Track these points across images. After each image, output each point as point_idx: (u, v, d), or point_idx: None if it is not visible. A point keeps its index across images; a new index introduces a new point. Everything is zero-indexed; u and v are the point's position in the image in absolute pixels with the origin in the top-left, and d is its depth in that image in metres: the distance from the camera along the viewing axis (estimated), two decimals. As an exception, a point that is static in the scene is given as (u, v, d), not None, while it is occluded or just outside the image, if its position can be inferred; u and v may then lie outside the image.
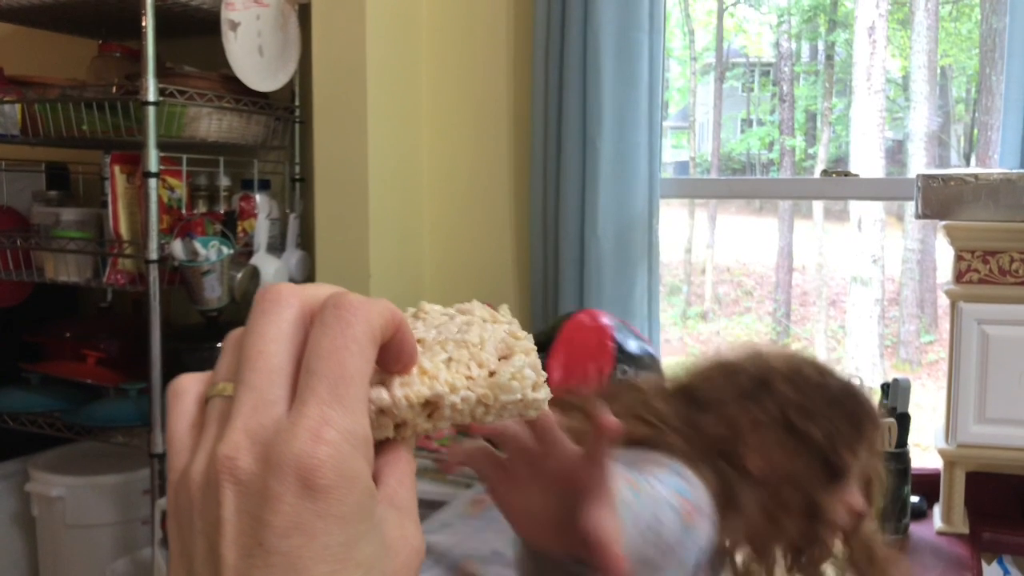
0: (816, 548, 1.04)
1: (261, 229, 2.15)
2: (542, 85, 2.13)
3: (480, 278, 2.31)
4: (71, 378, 2.18)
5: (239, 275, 2.07)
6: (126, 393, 2.10)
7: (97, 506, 2.18)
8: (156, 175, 1.90)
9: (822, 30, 4.14)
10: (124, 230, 2.05)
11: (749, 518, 0.99)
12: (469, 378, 0.36)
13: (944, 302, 1.78)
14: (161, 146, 1.91)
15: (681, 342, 4.30)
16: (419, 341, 0.36)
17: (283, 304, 0.33)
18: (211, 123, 2.07)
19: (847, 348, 4.22)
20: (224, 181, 2.18)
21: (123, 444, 2.06)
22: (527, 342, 0.38)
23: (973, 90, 3.58)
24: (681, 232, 4.36)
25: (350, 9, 2.09)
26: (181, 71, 2.07)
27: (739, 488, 0.98)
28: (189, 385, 0.35)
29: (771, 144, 4.29)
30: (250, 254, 2.13)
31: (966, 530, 1.72)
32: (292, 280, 2.20)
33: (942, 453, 1.73)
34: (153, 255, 1.92)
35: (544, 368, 0.38)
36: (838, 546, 1.08)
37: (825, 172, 2.19)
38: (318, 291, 0.34)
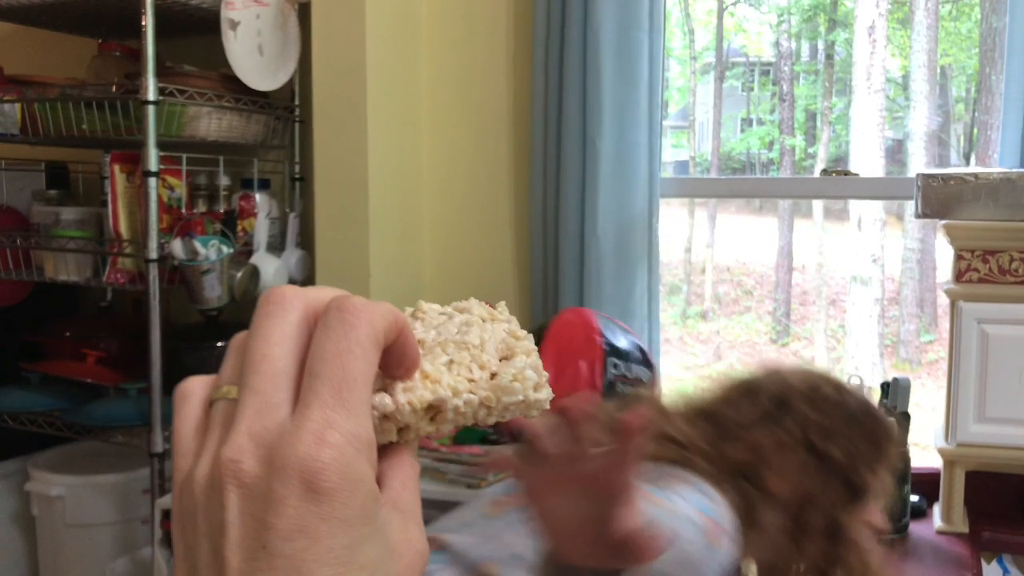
0: (838, 568, 1.04)
1: (261, 228, 2.15)
2: (542, 85, 2.13)
3: (480, 278, 2.31)
4: (71, 377, 2.18)
5: (239, 274, 2.07)
6: (126, 392, 2.11)
7: (97, 505, 2.18)
8: (156, 174, 1.90)
9: (822, 29, 4.14)
10: (124, 229, 2.05)
11: (771, 539, 1.00)
12: (471, 381, 0.36)
13: (944, 301, 1.79)
14: (161, 145, 1.91)
15: (681, 342, 4.30)
16: (419, 342, 0.36)
17: (286, 307, 0.33)
18: (211, 122, 2.07)
19: (847, 347, 4.22)
20: (224, 180, 2.18)
21: (123, 443, 2.06)
22: (528, 342, 0.38)
23: (973, 89, 3.58)
24: (681, 231, 4.36)
25: (350, 8, 2.09)
26: (181, 70, 2.06)
27: (761, 509, 0.98)
28: (195, 388, 0.35)
29: (771, 143, 4.29)
30: (250, 253, 2.13)
31: (966, 529, 1.72)
32: (292, 279, 2.20)
33: (942, 452, 1.74)
34: (153, 254, 1.92)
35: None
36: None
37: (825, 171, 2.19)
38: (321, 294, 0.34)
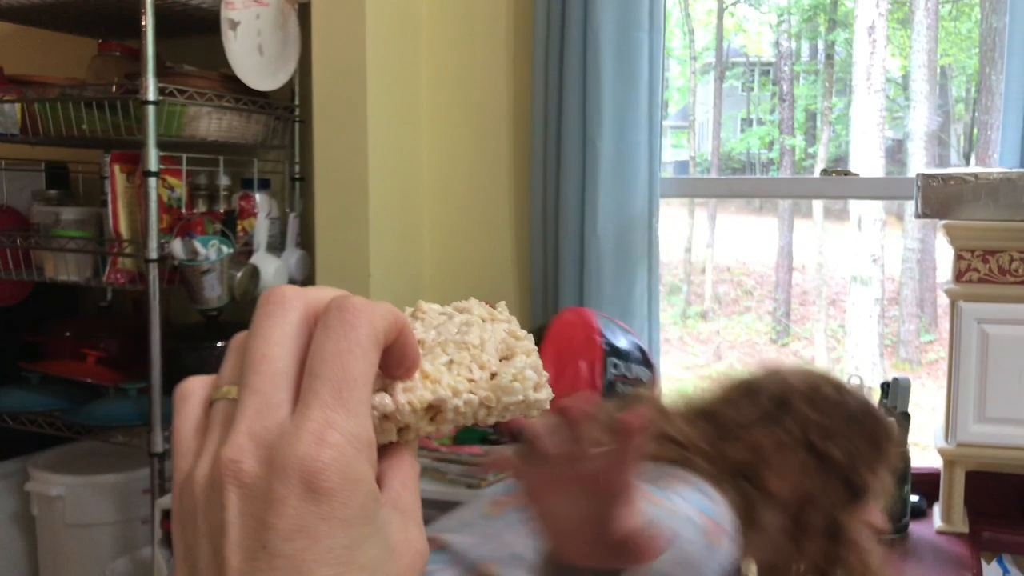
0: (838, 568, 1.04)
1: (261, 228, 2.15)
2: (542, 85, 2.13)
3: (480, 278, 2.31)
4: (71, 377, 2.18)
5: (239, 274, 2.07)
6: (126, 392, 2.11)
7: (97, 505, 2.18)
8: (156, 174, 1.90)
9: (822, 29, 4.14)
10: (124, 229, 2.05)
11: (771, 539, 1.00)
12: (471, 381, 0.36)
13: (944, 301, 1.79)
14: (161, 145, 1.91)
15: (681, 342, 4.30)
16: (419, 342, 0.36)
17: (287, 307, 0.33)
18: (211, 122, 2.07)
19: (847, 347, 4.22)
20: (224, 180, 2.18)
21: (123, 443, 2.06)
22: (528, 342, 0.38)
23: (973, 89, 3.58)
24: (681, 231, 4.36)
25: (350, 8, 2.09)
26: (181, 70, 2.06)
27: (761, 509, 0.98)
28: (195, 388, 0.35)
29: (771, 143, 4.29)
30: (250, 253, 2.13)
31: (966, 529, 1.72)
32: (292, 279, 2.20)
33: (942, 452, 1.74)
34: (153, 254, 1.92)
35: None
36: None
37: (825, 171, 2.19)
38: (321, 294, 0.34)
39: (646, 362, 1.83)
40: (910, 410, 1.79)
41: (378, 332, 0.32)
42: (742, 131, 4.44)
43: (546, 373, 0.37)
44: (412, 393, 0.34)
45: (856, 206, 3.85)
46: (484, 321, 0.39)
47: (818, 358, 4.31)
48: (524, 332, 0.39)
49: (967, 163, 3.31)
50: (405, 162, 2.26)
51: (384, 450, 0.34)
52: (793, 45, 4.19)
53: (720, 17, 4.15)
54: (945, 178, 1.69)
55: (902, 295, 4.07)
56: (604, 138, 2.06)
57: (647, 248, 2.10)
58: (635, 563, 0.69)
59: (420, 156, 2.32)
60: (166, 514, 1.91)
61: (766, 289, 4.57)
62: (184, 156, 2.05)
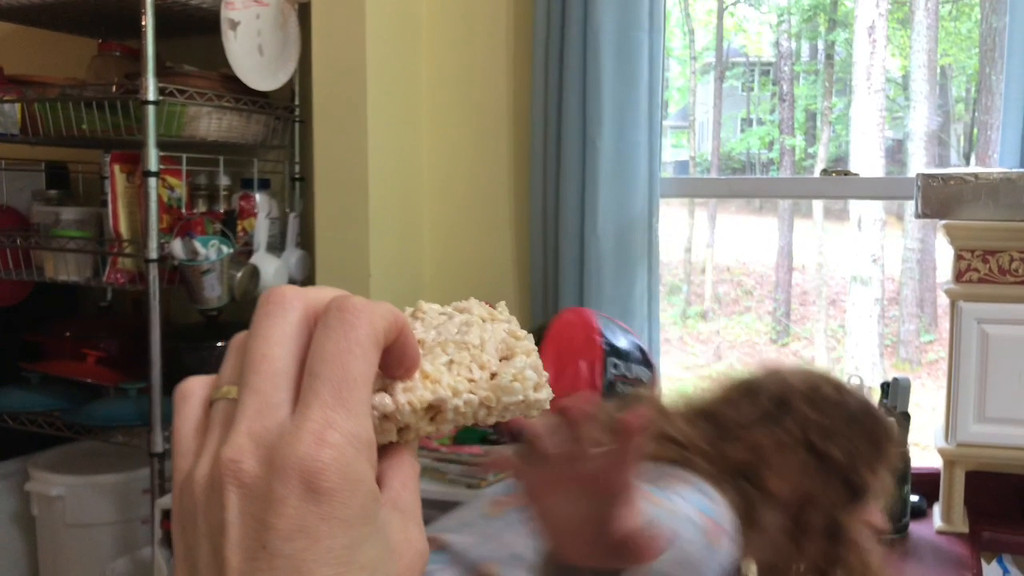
0: (838, 568, 1.04)
1: (261, 228, 2.15)
2: (542, 85, 2.13)
3: (480, 278, 2.31)
4: (71, 377, 2.18)
5: (239, 274, 2.07)
6: (126, 392, 2.11)
7: (97, 505, 2.18)
8: (156, 174, 1.90)
9: (822, 29, 4.14)
10: (124, 229, 2.05)
11: (771, 539, 1.00)
12: (471, 381, 0.36)
13: (944, 301, 1.79)
14: (161, 145, 1.91)
15: (681, 342, 4.30)
16: (419, 342, 0.36)
17: (287, 307, 0.33)
18: (211, 122, 2.07)
19: (847, 347, 4.22)
20: (224, 180, 2.18)
21: (123, 443, 2.06)
22: (528, 342, 0.38)
23: (973, 89, 3.58)
24: (681, 231, 4.36)
25: (350, 8, 2.09)
26: (181, 70, 2.06)
27: (761, 509, 0.98)
28: (195, 388, 0.35)
29: (771, 143, 4.29)
30: (250, 253, 2.13)
31: (966, 529, 1.72)
32: (292, 279, 2.20)
33: (942, 452, 1.74)
34: (153, 254, 1.92)
35: None
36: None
37: (825, 171, 2.19)
38: (321, 294, 0.34)
39: (646, 362, 1.83)
40: (910, 410, 1.79)
41: (378, 332, 0.32)
42: (742, 131, 4.44)
43: (546, 373, 0.37)
44: (412, 393, 0.34)
45: (856, 206, 3.85)
46: (484, 321, 0.39)
47: (818, 358, 4.31)
48: (524, 332, 0.39)
49: (967, 163, 3.31)
50: (405, 162, 2.26)
51: (384, 450, 0.34)
52: (793, 45, 4.19)
53: (720, 17, 4.15)
54: (945, 178, 1.69)
55: (902, 295, 4.08)
56: (604, 138, 2.06)
57: (647, 248, 2.10)
58: (635, 563, 0.69)
59: (420, 156, 2.32)
60: (166, 514, 1.91)
61: (766, 289, 4.57)
62: (184, 156, 2.05)
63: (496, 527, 0.95)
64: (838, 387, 1.10)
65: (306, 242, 2.26)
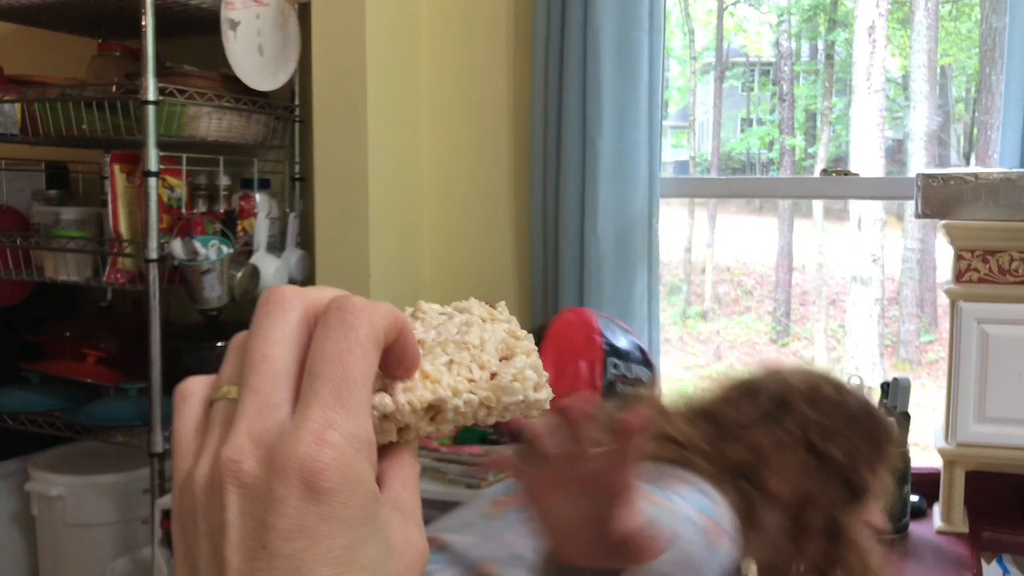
0: (838, 568, 1.04)
1: (261, 228, 2.15)
2: (542, 85, 2.13)
3: (480, 278, 2.31)
4: (71, 377, 2.18)
5: (239, 274, 2.07)
6: (126, 392, 2.11)
7: (97, 505, 2.18)
8: (156, 174, 1.90)
9: (822, 29, 4.14)
10: (124, 229, 2.05)
11: (771, 539, 1.00)
12: (471, 381, 0.36)
13: (944, 301, 1.79)
14: (161, 145, 1.91)
15: (681, 342, 4.30)
16: (419, 342, 0.36)
17: (287, 307, 0.33)
18: (211, 122, 2.07)
19: (847, 347, 4.22)
20: (224, 180, 2.18)
21: (123, 443, 2.06)
22: (528, 342, 0.38)
23: (973, 89, 3.58)
24: (681, 231, 4.36)
25: (350, 8, 2.09)
26: (181, 70, 2.06)
27: (761, 509, 0.98)
28: (195, 388, 0.35)
29: (771, 143, 4.29)
30: (250, 253, 2.13)
31: (966, 529, 1.72)
32: (292, 279, 2.20)
33: (942, 452, 1.74)
34: (153, 254, 1.92)
35: None
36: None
37: (825, 171, 2.19)
38: (321, 294, 0.34)
39: (646, 362, 1.83)
40: (910, 410, 1.79)
41: (378, 332, 0.32)
42: (742, 131, 4.44)
43: (546, 373, 0.37)
44: (412, 393, 0.34)
45: (856, 206, 3.85)
46: (484, 321, 0.39)
47: (818, 358, 4.31)
48: (524, 332, 0.39)
49: (967, 163, 3.31)
50: (405, 162, 2.26)
51: (384, 450, 0.34)
52: (793, 45, 4.19)
53: (720, 17, 4.15)
54: (945, 178, 1.69)
55: (902, 295, 4.08)
56: (604, 138, 2.06)
57: (647, 248, 2.10)
58: (635, 563, 0.69)
59: (420, 156, 2.32)
60: (166, 514, 1.91)
61: (766, 289, 4.57)
62: (184, 156, 2.05)
63: (496, 527, 0.95)
64: (838, 387, 1.10)
65: (306, 242, 2.26)
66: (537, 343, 0.39)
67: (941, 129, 3.66)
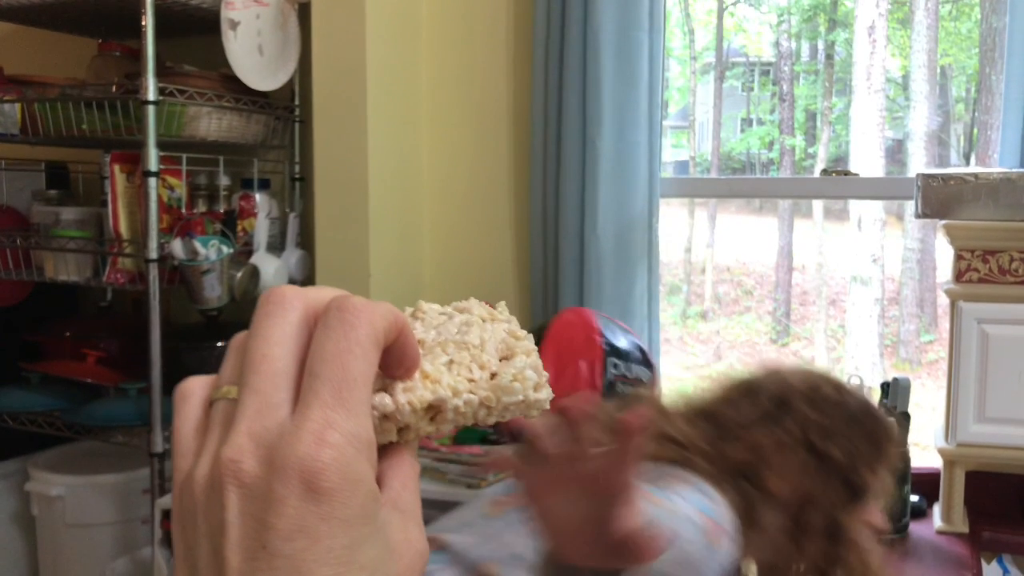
0: (839, 568, 1.04)
1: (261, 228, 2.15)
2: (542, 85, 2.13)
3: (480, 278, 2.31)
4: (71, 377, 2.18)
5: (239, 274, 2.07)
6: (126, 392, 2.11)
7: (97, 505, 2.18)
8: (156, 174, 1.90)
9: (822, 29, 4.14)
10: (124, 229, 2.05)
11: (771, 539, 1.00)
12: (471, 381, 0.36)
13: (944, 301, 1.79)
14: (161, 145, 1.91)
15: (681, 342, 4.30)
16: (419, 342, 0.36)
17: (287, 307, 0.33)
18: (211, 122, 2.07)
19: (847, 347, 4.22)
20: (224, 180, 2.18)
21: (123, 443, 2.06)
22: (528, 342, 0.38)
23: (973, 89, 3.58)
24: (681, 231, 4.36)
25: (350, 8, 2.09)
26: (181, 70, 2.06)
27: (761, 509, 0.98)
28: (195, 388, 0.35)
29: (771, 143, 4.29)
30: (250, 253, 2.13)
31: (966, 529, 1.72)
32: (292, 279, 2.20)
33: (942, 452, 1.74)
34: (153, 254, 1.92)
35: None
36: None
37: (825, 171, 2.19)
38: (321, 294, 0.34)
39: (646, 362, 1.83)
40: (910, 410, 1.79)
41: (378, 332, 0.32)
42: (742, 131, 4.44)
43: (546, 373, 0.37)
44: (412, 393, 0.34)
45: (856, 206, 3.85)
46: (484, 321, 0.39)
47: (818, 358, 4.31)
48: (524, 332, 0.39)
49: (967, 163, 3.31)
50: (405, 162, 2.26)
51: (384, 450, 0.34)
52: (793, 45, 4.19)
53: (720, 17, 4.15)
54: (945, 178, 1.69)
55: (902, 295, 4.08)
56: (604, 138, 2.06)
57: (647, 248, 2.10)
58: (635, 563, 0.69)
59: (420, 156, 2.32)
60: (166, 514, 1.91)
61: (766, 289, 4.57)
62: (184, 156, 2.05)
63: (496, 527, 0.95)
64: (838, 387, 1.10)
65: (306, 242, 2.26)
66: (537, 343, 0.39)
67: (941, 129, 3.66)
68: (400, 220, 2.25)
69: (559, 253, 2.13)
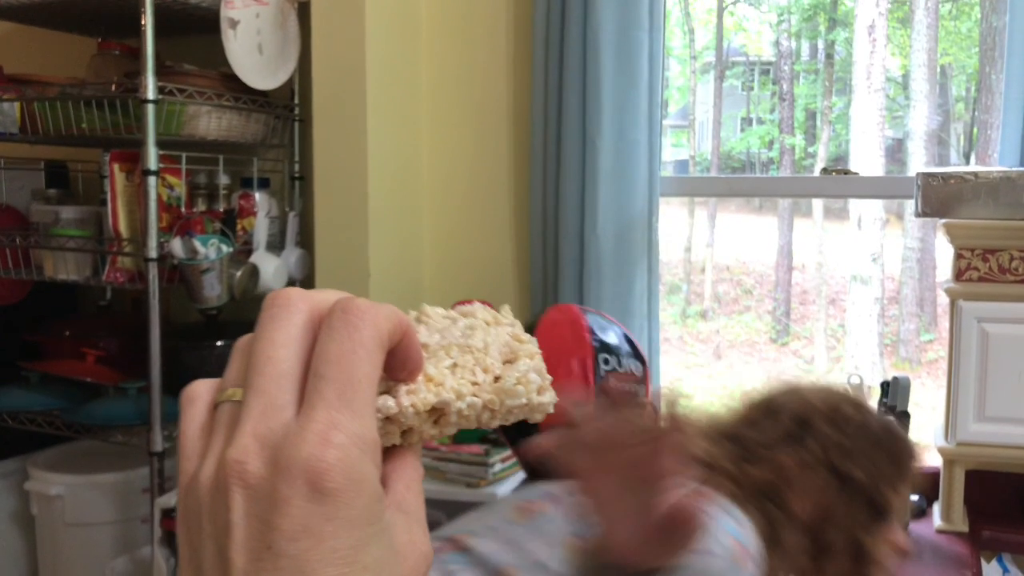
0: None
1: (260, 227, 2.15)
2: (542, 84, 2.13)
3: (480, 278, 2.31)
4: (70, 376, 2.17)
5: (238, 273, 2.07)
6: (125, 392, 2.10)
7: (96, 504, 2.18)
8: (155, 173, 1.90)
9: (822, 29, 4.14)
10: (123, 228, 2.05)
11: (793, 560, 1.00)
12: (475, 384, 0.36)
13: (944, 300, 1.79)
14: (160, 144, 1.91)
15: (681, 341, 4.30)
16: (423, 346, 0.36)
17: (292, 309, 0.33)
18: (210, 121, 2.07)
19: (847, 347, 4.22)
20: (223, 179, 2.18)
21: (122, 443, 2.06)
22: (531, 345, 0.38)
23: (973, 88, 3.58)
24: (681, 231, 4.36)
25: (350, 7, 2.09)
26: (180, 69, 2.06)
27: (784, 530, 0.98)
28: (201, 391, 0.35)
29: (771, 143, 4.29)
30: (249, 252, 2.13)
31: (966, 528, 1.72)
32: (292, 278, 2.20)
33: (942, 451, 1.74)
34: (152, 253, 1.92)
35: None
36: None
37: (825, 170, 2.20)
38: (326, 296, 0.34)
39: (637, 355, 1.83)
40: (910, 409, 1.79)
41: (382, 334, 0.32)
42: (742, 130, 4.44)
43: (550, 376, 0.37)
44: (416, 396, 0.34)
45: (856, 205, 3.86)
46: (488, 325, 0.39)
47: (818, 357, 4.32)
48: (528, 336, 0.39)
49: (967, 162, 3.31)
50: (405, 161, 2.26)
51: (388, 452, 0.34)
52: (793, 44, 4.19)
53: (720, 16, 4.15)
54: (945, 177, 1.69)
55: (902, 294, 4.08)
56: (604, 137, 2.06)
57: (647, 247, 2.10)
58: (678, 544, 0.69)
59: (420, 155, 2.32)
60: (166, 513, 1.91)
61: (766, 288, 4.58)
62: (184, 155, 2.05)
63: (519, 533, 0.95)
64: (858, 406, 1.10)
65: (306, 241, 2.26)
66: None
67: (941, 128, 3.66)
68: (400, 219, 2.25)
69: (559, 252, 2.13)
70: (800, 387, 1.13)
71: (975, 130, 3.14)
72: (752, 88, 4.41)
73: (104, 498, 2.19)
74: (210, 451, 0.32)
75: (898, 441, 1.09)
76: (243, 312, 2.10)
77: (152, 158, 1.89)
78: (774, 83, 4.26)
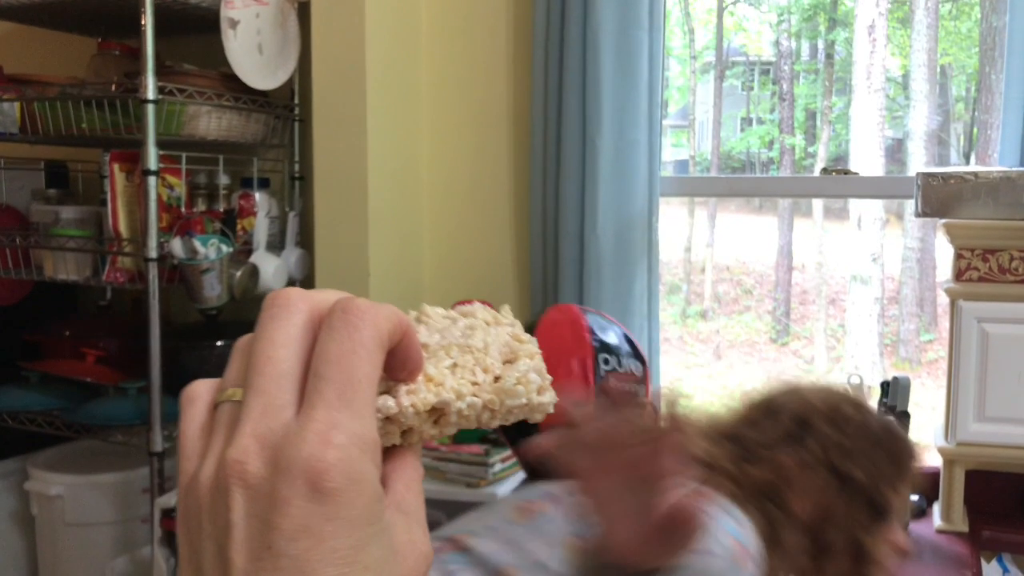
0: None
1: (260, 227, 2.15)
2: (542, 84, 2.13)
3: (480, 277, 2.31)
4: (70, 376, 2.17)
5: (238, 273, 2.07)
6: (125, 392, 2.10)
7: (96, 504, 2.18)
8: (155, 173, 1.90)
9: (822, 29, 4.14)
10: (123, 228, 2.05)
11: (793, 560, 1.00)
12: (475, 384, 0.36)
13: (944, 300, 1.79)
14: (160, 144, 1.91)
15: (681, 341, 4.30)
16: (423, 346, 0.36)
17: (292, 309, 0.33)
18: (210, 121, 2.07)
19: (847, 347, 4.22)
20: (223, 179, 2.18)
21: (122, 443, 2.06)
22: (531, 346, 0.38)
23: (973, 89, 3.58)
24: (681, 231, 4.36)
25: (350, 7, 2.09)
26: (180, 69, 2.06)
27: (784, 530, 0.98)
28: (201, 391, 0.35)
29: (771, 143, 4.29)
30: (249, 252, 2.13)
31: (966, 528, 1.72)
32: (291, 278, 2.20)
33: (942, 451, 1.74)
34: (152, 253, 1.92)
35: None
36: None
37: (825, 170, 2.20)
38: (326, 296, 0.34)
39: (636, 354, 1.83)
40: (910, 409, 1.79)
41: (382, 334, 0.32)
42: (742, 130, 4.45)
43: (550, 377, 0.37)
44: (416, 396, 0.34)
45: (856, 205, 3.86)
46: (488, 325, 0.39)
47: (818, 357, 4.32)
48: (528, 336, 0.39)
49: (967, 162, 3.32)
50: (405, 161, 2.26)
51: (388, 452, 0.34)
52: (793, 44, 4.19)
53: (720, 16, 4.15)
54: (945, 177, 1.69)
55: (902, 294, 4.08)
56: (604, 137, 2.06)
57: (647, 247, 2.10)
58: (679, 543, 0.69)
59: (420, 155, 2.32)
60: (165, 513, 1.91)
61: (766, 288, 4.58)
62: (184, 155, 2.05)
63: (519, 533, 0.95)
64: (858, 406, 1.10)
65: (306, 241, 2.26)
66: None
67: (941, 128, 3.66)
68: (400, 219, 2.25)
69: (559, 252, 2.13)
70: (800, 387, 1.12)
71: (975, 130, 3.14)
72: (752, 88, 4.42)
73: (104, 498, 2.19)
74: (210, 451, 0.32)
75: (898, 441, 1.09)
76: (243, 312, 2.10)
77: (152, 158, 1.89)
78: (774, 83, 4.26)
